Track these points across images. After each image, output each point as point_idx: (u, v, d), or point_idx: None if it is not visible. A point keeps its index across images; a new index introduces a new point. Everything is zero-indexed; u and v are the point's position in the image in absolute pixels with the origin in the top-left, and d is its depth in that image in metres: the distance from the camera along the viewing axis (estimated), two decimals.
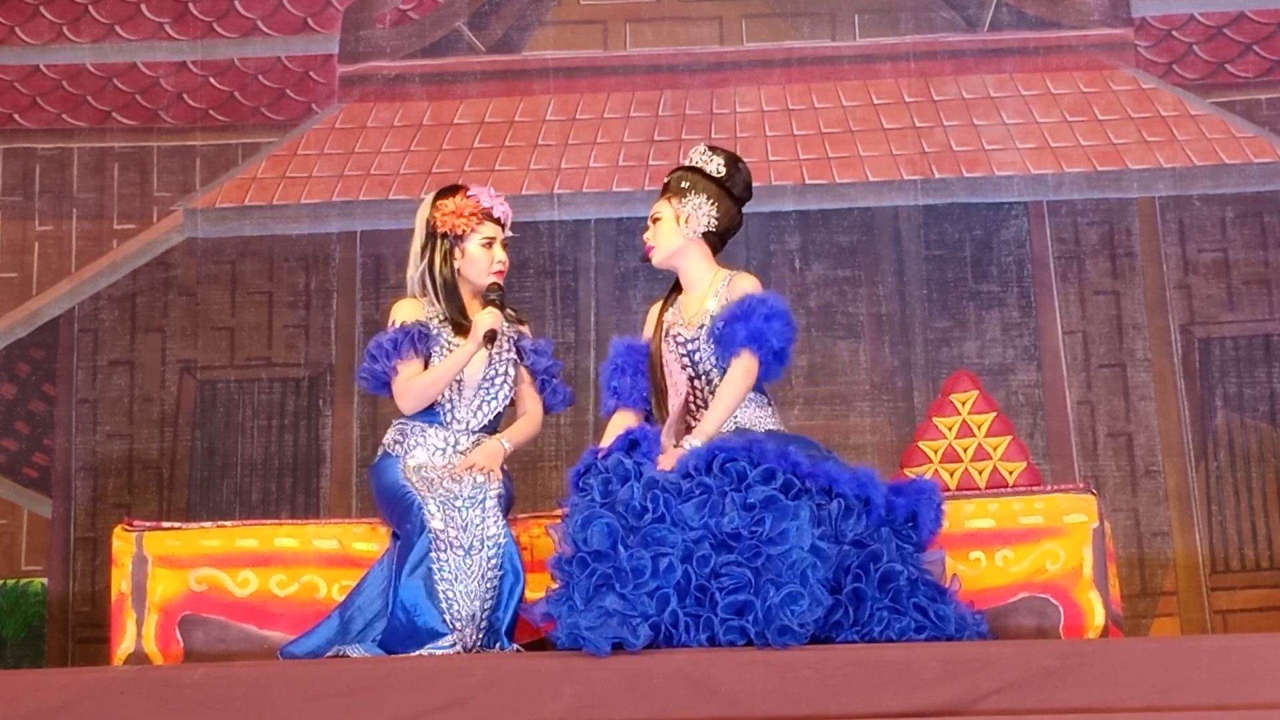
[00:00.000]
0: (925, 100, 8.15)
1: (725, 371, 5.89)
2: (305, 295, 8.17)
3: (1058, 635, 5.81)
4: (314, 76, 8.35)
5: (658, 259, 6.01)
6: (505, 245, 6.14)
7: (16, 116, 8.34)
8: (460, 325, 6.06)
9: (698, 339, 5.94)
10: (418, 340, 6.03)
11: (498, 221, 6.12)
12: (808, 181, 8.08)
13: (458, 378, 6.05)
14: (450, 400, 6.08)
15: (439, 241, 6.10)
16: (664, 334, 6.01)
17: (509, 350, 6.14)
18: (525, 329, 6.25)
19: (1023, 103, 8.13)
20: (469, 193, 6.14)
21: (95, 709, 5.45)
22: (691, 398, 5.98)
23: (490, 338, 5.95)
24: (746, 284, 5.93)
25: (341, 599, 5.96)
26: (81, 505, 8.02)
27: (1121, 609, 6.18)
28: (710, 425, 5.79)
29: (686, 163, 6.05)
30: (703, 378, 5.96)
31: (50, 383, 8.15)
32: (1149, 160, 8.03)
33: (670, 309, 6.04)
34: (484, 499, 5.84)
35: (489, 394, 6.11)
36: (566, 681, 5.37)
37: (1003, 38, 8.21)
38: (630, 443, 5.71)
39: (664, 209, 5.99)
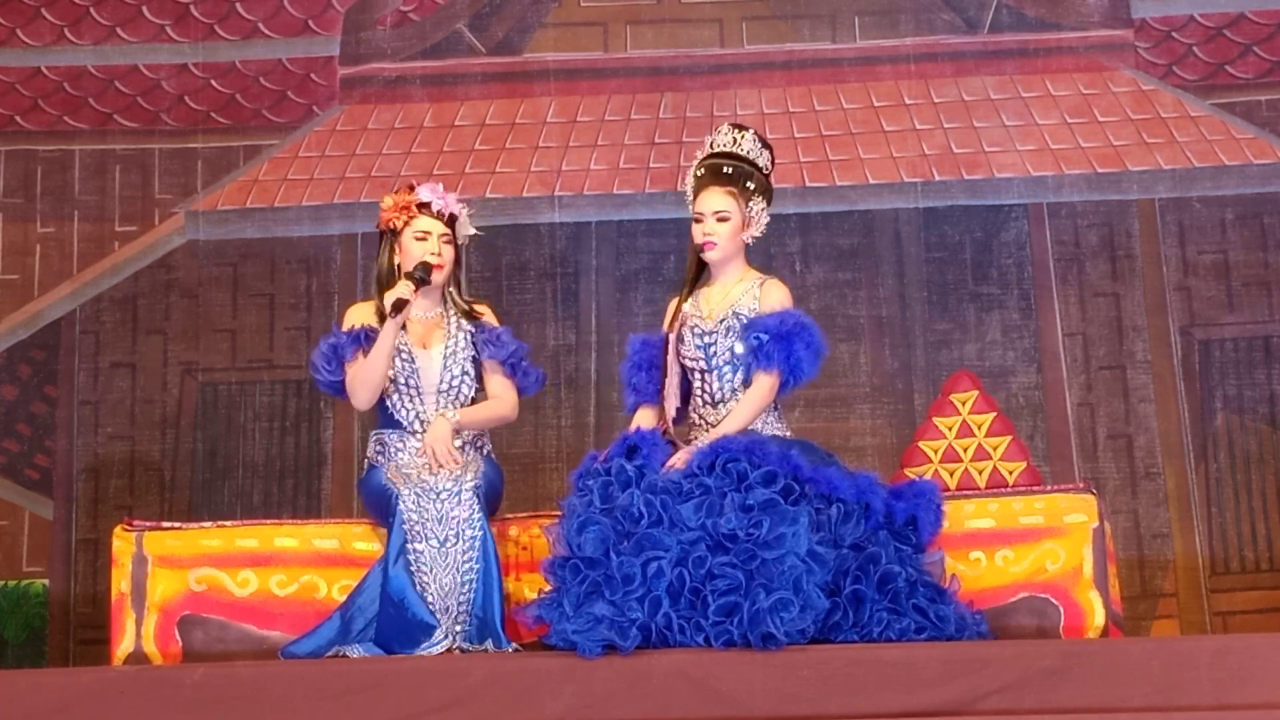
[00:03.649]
0: (925, 102, 8.15)
1: (738, 370, 5.91)
2: (307, 297, 8.18)
3: (1058, 635, 5.82)
4: (315, 78, 8.36)
5: (717, 257, 5.98)
6: (450, 241, 6.16)
7: (18, 118, 8.35)
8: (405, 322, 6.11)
9: (716, 333, 5.95)
10: (363, 341, 6.07)
11: (438, 216, 6.14)
12: (808, 184, 8.08)
13: (416, 386, 6.09)
14: (414, 410, 6.12)
15: (383, 239, 6.20)
16: (680, 325, 6.00)
17: (465, 348, 6.15)
18: (487, 317, 6.23)
19: (1023, 104, 8.13)
20: (414, 190, 6.18)
21: (95, 709, 5.46)
22: (702, 391, 5.98)
23: (397, 307, 5.98)
24: (781, 294, 5.96)
25: (342, 599, 5.98)
26: (83, 507, 8.02)
27: (1121, 609, 6.18)
28: (724, 431, 5.80)
29: (741, 151, 6.01)
30: (714, 372, 5.96)
31: (52, 384, 8.15)
32: (1149, 162, 8.03)
33: (689, 301, 6.04)
34: (460, 491, 5.85)
35: (450, 398, 6.13)
36: (566, 681, 5.39)
37: (1003, 39, 8.22)
38: (629, 448, 5.72)
39: (733, 209, 5.96)
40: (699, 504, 5.53)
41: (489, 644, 5.75)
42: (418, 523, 5.81)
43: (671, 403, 5.95)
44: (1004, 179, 8.06)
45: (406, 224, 6.14)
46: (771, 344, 5.83)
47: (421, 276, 6.06)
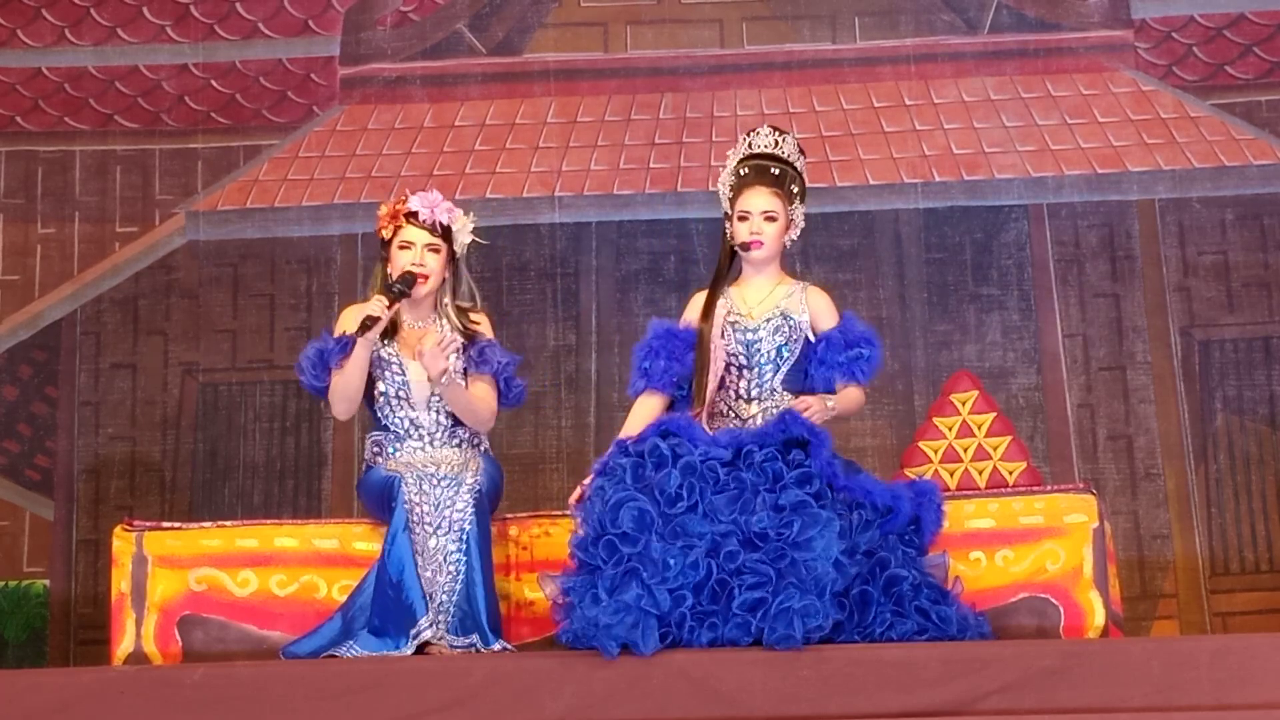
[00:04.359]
0: (925, 103, 8.16)
1: (779, 369, 5.95)
2: (307, 298, 8.18)
3: (1058, 635, 5.82)
4: (315, 78, 8.36)
5: (762, 256, 6.02)
6: (438, 251, 6.12)
7: (18, 119, 8.35)
8: (388, 333, 6.10)
9: (762, 330, 5.97)
10: (350, 348, 6.03)
11: (424, 225, 6.11)
12: (808, 185, 8.06)
13: (407, 398, 6.09)
14: (407, 417, 6.11)
15: (380, 247, 6.19)
16: (718, 321, 6.00)
17: (456, 360, 6.11)
18: (482, 326, 6.20)
19: (1023, 105, 8.13)
20: (405, 197, 6.18)
21: (95, 709, 5.47)
22: (737, 386, 5.99)
23: (364, 326, 5.96)
24: (828, 301, 6.05)
25: (342, 599, 5.98)
26: (83, 507, 8.02)
27: (1121, 609, 6.18)
28: (838, 406, 5.89)
29: (781, 153, 6.06)
30: (754, 369, 5.98)
31: (52, 385, 8.15)
32: (1149, 162, 8.03)
33: (722, 298, 6.05)
34: (460, 485, 5.84)
35: (441, 406, 6.12)
36: (566, 681, 5.39)
37: (1003, 40, 8.22)
38: (664, 432, 5.68)
39: (780, 210, 6.01)
40: (733, 497, 5.53)
41: (475, 638, 5.74)
42: (417, 505, 5.82)
43: (710, 397, 5.94)
44: (1004, 180, 8.06)
45: (395, 233, 6.13)
46: (862, 351, 5.95)
47: (401, 290, 6.02)
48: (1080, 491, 5.99)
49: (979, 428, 6.36)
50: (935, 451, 6.35)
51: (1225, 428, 7.84)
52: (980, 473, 6.29)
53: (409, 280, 6.04)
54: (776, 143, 6.07)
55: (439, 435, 6.10)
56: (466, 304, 6.25)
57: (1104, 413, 7.91)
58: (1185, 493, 7.79)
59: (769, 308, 6.01)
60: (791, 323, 5.98)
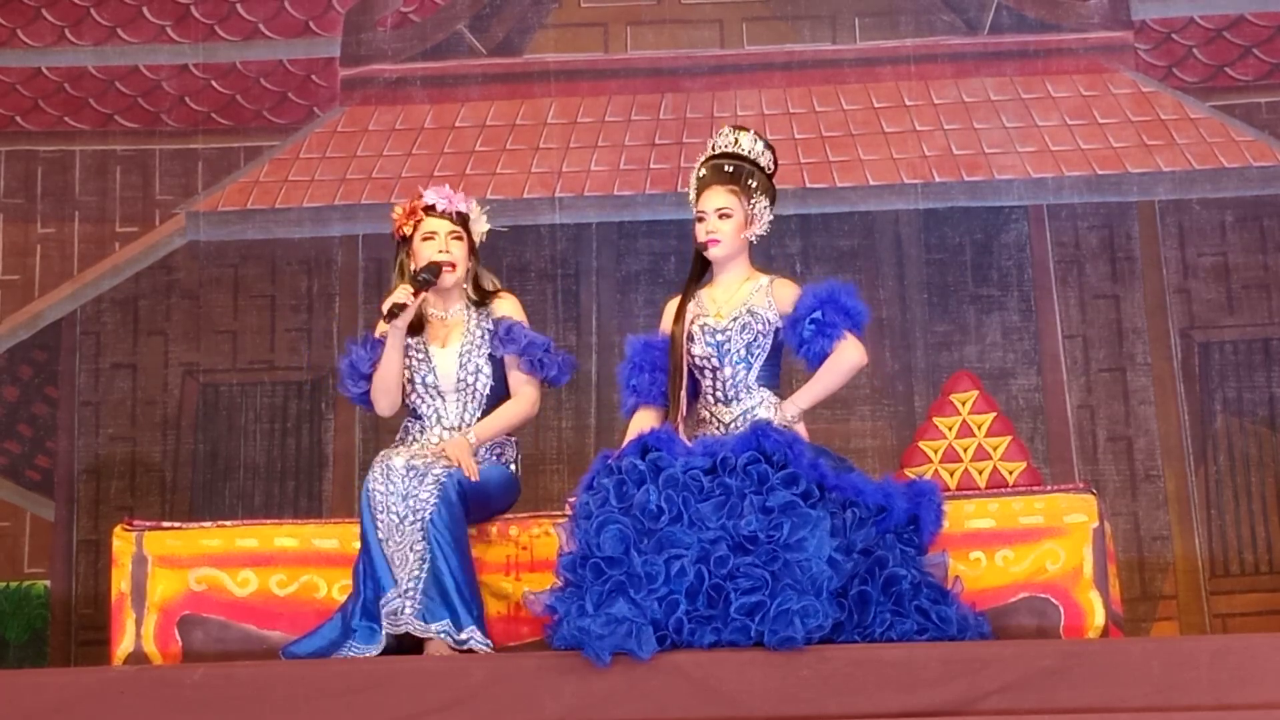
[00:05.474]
0: (925, 103, 8.16)
1: (751, 367, 5.94)
2: (307, 299, 8.18)
3: (1058, 635, 5.81)
4: (316, 79, 8.37)
5: (721, 254, 6.01)
6: (460, 238, 6.17)
7: (18, 119, 8.36)
8: (416, 326, 6.12)
9: (729, 330, 5.97)
10: (378, 348, 6.10)
11: (444, 215, 6.17)
12: (808, 185, 8.08)
13: (434, 386, 6.11)
14: (433, 407, 6.13)
15: (397, 248, 6.23)
16: (687, 324, 6.01)
17: (482, 345, 6.14)
18: (505, 305, 6.22)
19: (1023, 106, 8.14)
20: (419, 194, 6.25)
21: (95, 709, 5.47)
22: (713, 389, 6.00)
23: (392, 313, 6.00)
24: (793, 288, 6.01)
25: (342, 599, 5.98)
26: (84, 508, 8.02)
27: (1122, 610, 6.18)
28: (805, 399, 5.90)
29: (741, 151, 6.04)
30: (726, 369, 5.98)
31: (53, 385, 8.16)
32: (1149, 164, 8.03)
33: (691, 301, 6.06)
34: (426, 474, 5.83)
35: (469, 395, 6.14)
36: (566, 681, 5.39)
37: (1003, 41, 8.22)
38: (643, 447, 5.70)
39: (736, 207, 5.99)
40: (719, 504, 5.53)
41: (445, 624, 5.72)
42: (382, 495, 5.82)
43: (683, 401, 5.96)
44: (1004, 180, 8.06)
45: (415, 228, 6.18)
46: (826, 316, 5.88)
47: (427, 278, 6.06)
48: (1080, 491, 5.98)
49: (979, 428, 6.36)
50: (935, 451, 6.36)
51: (1225, 429, 7.85)
52: (980, 473, 6.29)
53: (435, 270, 6.09)
54: (735, 140, 6.07)
55: (465, 427, 6.11)
56: (491, 289, 6.30)
57: (1104, 414, 7.92)
58: (1185, 494, 7.79)
59: (735, 306, 6.01)
60: (757, 318, 5.98)
